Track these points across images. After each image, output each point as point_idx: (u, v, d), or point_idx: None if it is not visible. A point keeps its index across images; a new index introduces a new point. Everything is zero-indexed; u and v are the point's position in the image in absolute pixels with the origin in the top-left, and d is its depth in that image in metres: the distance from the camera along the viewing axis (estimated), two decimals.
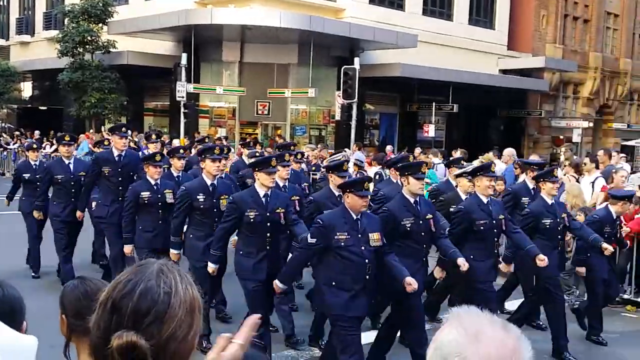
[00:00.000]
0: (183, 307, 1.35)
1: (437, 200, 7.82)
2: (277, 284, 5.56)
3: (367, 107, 25.25)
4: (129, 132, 9.56)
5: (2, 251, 9.69)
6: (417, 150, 16.17)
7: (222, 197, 6.54)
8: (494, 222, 6.36)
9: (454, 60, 25.94)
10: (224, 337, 1.44)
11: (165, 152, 9.73)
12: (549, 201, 6.83)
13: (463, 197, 7.16)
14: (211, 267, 6.18)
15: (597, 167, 10.31)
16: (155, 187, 7.20)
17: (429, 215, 5.94)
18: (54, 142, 19.60)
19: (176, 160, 8.19)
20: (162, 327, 1.33)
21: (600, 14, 33.96)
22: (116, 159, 8.19)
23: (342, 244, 5.15)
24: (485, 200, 6.39)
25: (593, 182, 9.85)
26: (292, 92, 22.83)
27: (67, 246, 8.58)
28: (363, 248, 5.19)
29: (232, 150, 12.55)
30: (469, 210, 6.36)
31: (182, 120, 20.84)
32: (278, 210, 5.98)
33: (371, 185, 6.42)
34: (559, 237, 6.90)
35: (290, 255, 6.34)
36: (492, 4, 29.72)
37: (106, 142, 10.42)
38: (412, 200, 5.84)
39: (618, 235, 7.52)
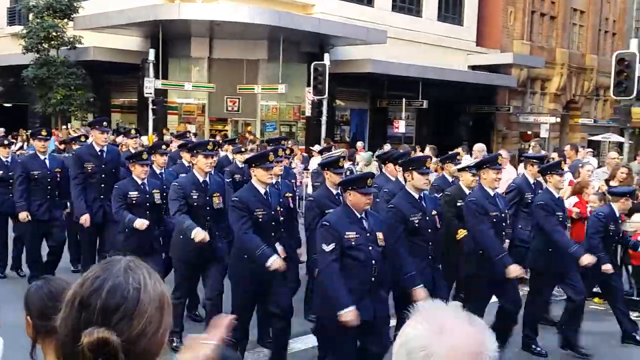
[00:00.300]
0: (152, 303, 1.34)
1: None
2: (341, 314, 4.73)
3: (337, 103, 25.25)
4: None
5: None
6: (386, 147, 16.15)
7: (215, 195, 6.28)
8: (503, 215, 6.26)
9: (424, 56, 26.05)
10: (194, 337, 1.43)
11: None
12: (556, 194, 6.71)
13: (466, 191, 6.98)
14: (276, 261, 5.42)
15: (564, 162, 10.38)
16: (142, 186, 6.83)
17: (434, 212, 5.81)
18: (20, 139, 19.22)
19: (158, 157, 7.79)
20: (132, 323, 1.31)
21: (566, 10, 34.40)
22: (99, 154, 7.77)
23: (353, 243, 4.88)
24: (491, 193, 6.25)
25: None
26: (262, 89, 22.73)
27: (37, 258, 8.18)
28: (371, 248, 4.95)
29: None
30: (482, 203, 6.17)
31: (151, 116, 20.61)
32: (278, 208, 5.80)
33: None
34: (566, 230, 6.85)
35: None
36: (460, 0, 29.91)
37: (82, 138, 9.86)
38: (416, 196, 5.70)
39: (621, 234, 7.44)
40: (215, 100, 23.66)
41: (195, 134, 18.71)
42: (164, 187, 7.03)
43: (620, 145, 21.26)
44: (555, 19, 34.02)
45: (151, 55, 20.38)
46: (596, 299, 8.53)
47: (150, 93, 20.36)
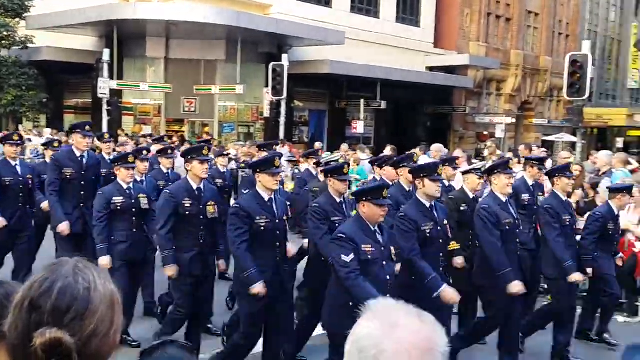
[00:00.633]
0: (103, 302, 1.34)
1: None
2: None
3: (296, 104, 25.19)
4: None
5: None
6: (344, 147, 16.14)
7: (209, 204, 5.89)
8: (516, 222, 5.97)
9: (382, 57, 26.17)
10: None
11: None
12: (563, 198, 6.49)
13: (470, 195, 6.72)
14: (256, 288, 5.16)
15: (518, 162, 10.54)
16: (128, 191, 6.45)
17: (446, 221, 5.53)
18: None
19: (139, 163, 7.30)
20: (83, 323, 1.30)
21: (521, 12, 34.98)
22: (79, 159, 7.31)
23: (369, 257, 4.62)
24: (503, 199, 5.95)
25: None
26: (219, 89, 22.53)
27: None
28: (385, 263, 4.72)
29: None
30: (494, 210, 5.86)
31: (105, 117, 20.20)
32: (284, 217, 5.48)
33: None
34: (573, 235, 6.63)
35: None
36: (418, 2, 30.16)
37: (56, 144, 9.24)
38: (427, 204, 5.40)
39: (620, 232, 7.26)
40: (172, 101, 23.36)
41: (150, 135, 18.40)
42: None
43: (573, 145, 21.66)
44: (511, 21, 34.56)
45: (106, 55, 20.01)
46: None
47: (105, 94, 19.99)
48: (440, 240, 5.42)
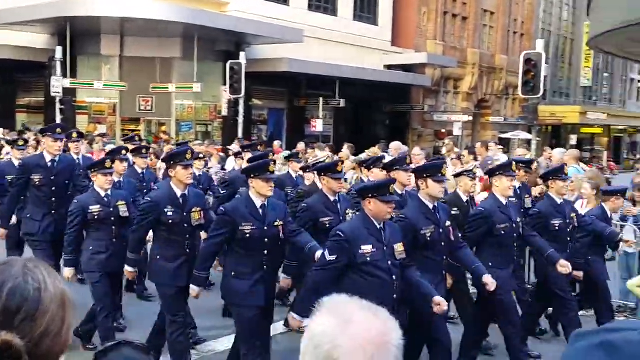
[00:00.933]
0: (54, 302, 1.33)
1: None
2: (293, 316, 4.69)
3: (254, 102, 25.05)
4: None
5: None
6: (300, 145, 16.05)
7: (194, 210, 5.67)
8: (514, 226, 5.83)
9: (340, 55, 26.20)
10: None
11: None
12: (558, 201, 6.38)
13: (464, 198, 6.63)
14: (194, 290, 5.32)
15: (475, 159, 10.63)
16: (105, 199, 6.12)
17: (448, 223, 5.36)
18: None
19: (118, 163, 7.06)
20: (34, 324, 1.29)
21: (477, 11, 35.41)
22: (49, 164, 6.97)
23: (368, 258, 4.50)
24: (504, 202, 5.85)
25: None
26: (176, 87, 22.23)
27: None
28: (390, 263, 4.57)
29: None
30: (490, 212, 5.75)
31: (58, 116, 19.74)
32: (277, 224, 5.22)
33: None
34: (569, 238, 6.45)
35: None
36: (375, 0, 30.26)
37: (21, 142, 8.93)
38: (430, 206, 5.22)
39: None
40: (127, 100, 22.96)
41: (104, 135, 18.05)
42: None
43: (528, 142, 22.00)
44: (467, 20, 34.96)
45: (58, 53, 19.57)
46: None
47: (58, 92, 19.54)
48: (442, 243, 5.25)
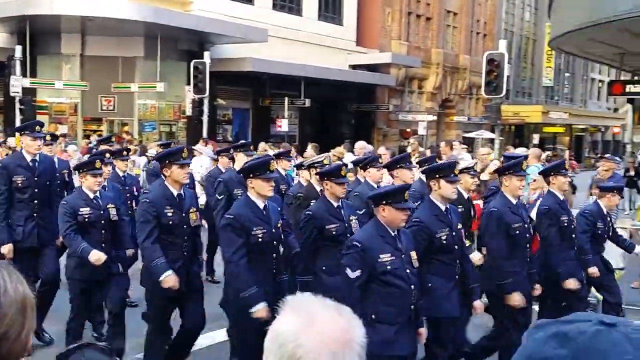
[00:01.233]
0: (14, 306, 1.32)
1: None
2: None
3: (218, 102, 24.87)
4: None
5: None
6: (262, 145, 15.97)
7: (192, 211, 5.43)
8: (526, 226, 5.70)
9: (305, 55, 26.15)
10: None
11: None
12: (561, 197, 6.23)
13: (465, 195, 6.45)
14: (260, 313, 4.65)
15: (439, 158, 10.66)
16: (95, 201, 5.79)
17: (460, 225, 5.19)
18: None
19: (103, 167, 6.56)
20: None
21: (441, 12, 35.70)
22: (30, 164, 6.55)
23: (389, 267, 4.26)
24: (514, 201, 5.67)
25: None
26: (139, 87, 21.96)
27: None
28: (408, 271, 4.36)
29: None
30: (503, 213, 5.57)
31: (18, 116, 19.32)
32: (279, 224, 5.07)
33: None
34: (573, 235, 6.32)
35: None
36: (339, 0, 30.28)
37: None
38: (442, 207, 5.02)
39: (611, 233, 7.04)
40: (89, 99, 22.59)
41: (65, 135, 17.73)
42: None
43: (492, 142, 22.23)
44: (431, 20, 35.22)
45: (18, 52, 19.15)
46: None
47: (17, 92, 19.12)
48: (456, 247, 5.07)
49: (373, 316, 4.19)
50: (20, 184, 6.50)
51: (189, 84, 21.45)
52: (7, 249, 6.42)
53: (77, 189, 6.01)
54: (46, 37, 21.50)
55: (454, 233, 5.02)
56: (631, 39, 15.93)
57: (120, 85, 22.06)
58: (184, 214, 5.37)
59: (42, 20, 19.85)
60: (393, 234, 4.38)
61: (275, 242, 4.99)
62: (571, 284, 5.97)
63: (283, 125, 24.87)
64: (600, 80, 52.43)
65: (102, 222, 5.82)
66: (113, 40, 21.61)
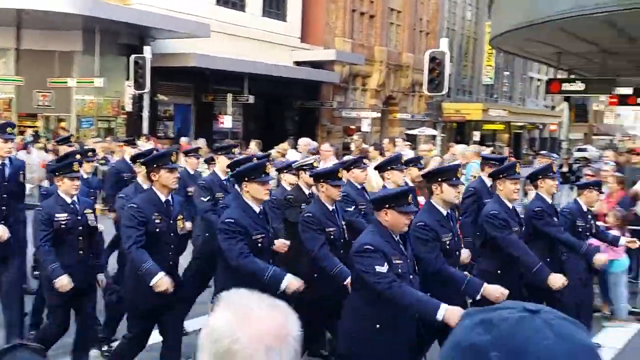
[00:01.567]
0: None
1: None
2: (449, 312, 4.03)
3: (159, 97, 24.44)
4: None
5: None
6: (201, 141, 15.76)
7: (179, 218, 5.20)
8: (523, 229, 5.67)
9: (249, 51, 25.95)
10: None
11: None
12: (549, 200, 6.15)
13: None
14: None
15: (381, 154, 10.70)
16: (72, 205, 5.46)
17: (459, 230, 5.09)
18: None
19: (85, 164, 6.52)
20: None
21: (384, 10, 35.95)
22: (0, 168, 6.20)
23: (400, 270, 4.09)
24: (510, 205, 5.59)
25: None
26: (76, 82, 21.35)
27: None
28: (412, 277, 4.22)
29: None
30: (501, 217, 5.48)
31: None
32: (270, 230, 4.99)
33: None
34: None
35: None
36: None
37: None
38: (444, 212, 4.86)
39: (594, 230, 6.92)
40: (24, 95, 21.83)
41: None
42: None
43: (434, 138, 22.52)
44: (374, 18, 35.43)
45: None
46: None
47: None
48: (457, 252, 4.98)
49: (378, 325, 4.06)
50: None
51: (128, 79, 21.00)
52: None
53: (54, 194, 5.61)
54: None
55: (455, 238, 4.92)
56: (567, 38, 16.37)
57: (57, 80, 21.42)
58: (171, 222, 5.12)
59: None
60: (396, 239, 4.24)
61: (271, 248, 4.91)
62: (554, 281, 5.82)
63: (226, 121, 24.61)
64: (538, 79, 53.76)
65: (80, 228, 5.49)
66: (50, 33, 20.97)
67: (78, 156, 7.08)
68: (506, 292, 4.57)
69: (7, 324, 6.09)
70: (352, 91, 34.50)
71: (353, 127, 32.02)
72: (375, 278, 4.04)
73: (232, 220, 4.69)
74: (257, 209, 4.77)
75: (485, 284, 4.60)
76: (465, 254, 5.77)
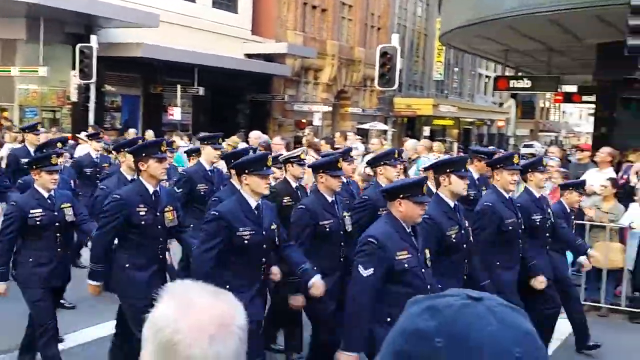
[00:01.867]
0: None
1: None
2: (344, 354, 3.93)
3: (106, 88, 23.93)
4: None
5: None
6: (148, 133, 15.49)
7: (167, 209, 5.04)
8: (519, 221, 5.53)
9: (199, 42, 25.60)
10: None
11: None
12: (537, 194, 6.04)
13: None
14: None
15: (332, 148, 10.70)
16: (49, 200, 5.24)
17: (467, 223, 4.94)
18: None
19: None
20: None
21: (336, 4, 35.96)
22: None
23: (406, 265, 3.97)
24: (507, 196, 5.51)
25: None
26: (19, 71, 20.70)
27: None
28: (423, 270, 4.09)
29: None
30: (496, 208, 5.41)
31: None
32: (273, 227, 4.68)
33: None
34: (547, 234, 6.13)
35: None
36: None
37: None
38: (451, 204, 4.74)
39: (573, 230, 6.91)
40: None
41: None
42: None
43: (385, 133, 22.67)
44: (326, 11, 35.41)
45: None
46: None
47: None
48: (464, 245, 4.83)
49: (389, 319, 3.88)
50: None
51: (74, 68, 20.48)
52: None
53: (31, 188, 5.38)
54: None
55: (462, 231, 4.80)
56: (515, 36, 16.64)
57: None
58: (158, 214, 4.97)
59: None
60: (408, 230, 4.12)
61: (265, 246, 4.60)
62: (538, 281, 5.79)
63: (175, 113, 24.27)
64: (486, 76, 54.68)
65: (57, 224, 5.27)
66: None
67: (59, 145, 6.88)
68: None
69: None
70: (303, 85, 34.44)
71: (304, 120, 31.98)
72: (355, 278, 4.04)
73: (217, 213, 4.51)
74: (253, 203, 4.57)
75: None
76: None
